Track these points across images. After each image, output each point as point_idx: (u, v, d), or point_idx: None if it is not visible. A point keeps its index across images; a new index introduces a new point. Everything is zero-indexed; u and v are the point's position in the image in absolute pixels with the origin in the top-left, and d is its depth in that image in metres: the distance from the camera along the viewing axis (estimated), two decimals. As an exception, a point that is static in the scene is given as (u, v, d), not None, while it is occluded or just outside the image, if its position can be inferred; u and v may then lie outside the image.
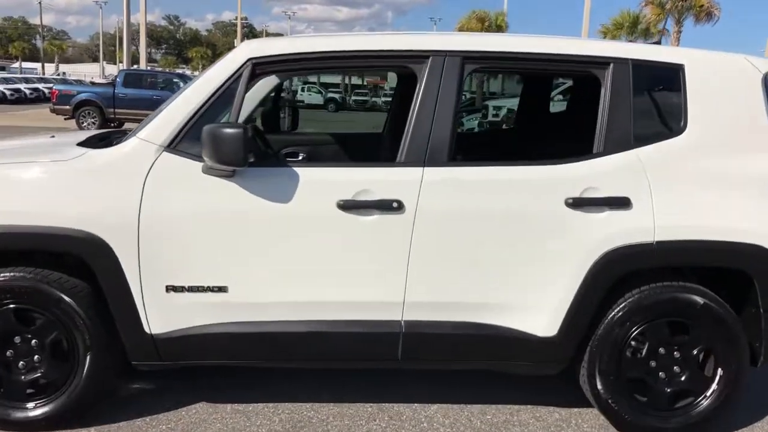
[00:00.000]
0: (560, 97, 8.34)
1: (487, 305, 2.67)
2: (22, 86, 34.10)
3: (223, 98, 2.63)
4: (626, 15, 28.69)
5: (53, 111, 17.98)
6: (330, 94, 36.06)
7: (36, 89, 33.58)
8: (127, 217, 2.51)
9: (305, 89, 35.08)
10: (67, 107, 17.55)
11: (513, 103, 14.44)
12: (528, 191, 2.62)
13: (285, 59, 2.67)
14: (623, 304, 2.68)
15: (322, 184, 2.58)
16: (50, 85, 28.98)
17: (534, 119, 3.87)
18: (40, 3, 60.57)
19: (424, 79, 2.67)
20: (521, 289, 2.65)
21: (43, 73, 53.15)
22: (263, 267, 2.59)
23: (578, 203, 2.60)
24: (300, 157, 4.00)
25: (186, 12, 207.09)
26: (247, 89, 2.63)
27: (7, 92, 31.86)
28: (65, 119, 17.55)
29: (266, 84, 3.90)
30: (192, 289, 2.58)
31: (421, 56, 2.68)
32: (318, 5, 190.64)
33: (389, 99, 37.64)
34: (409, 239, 2.58)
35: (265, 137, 3.52)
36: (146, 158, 2.56)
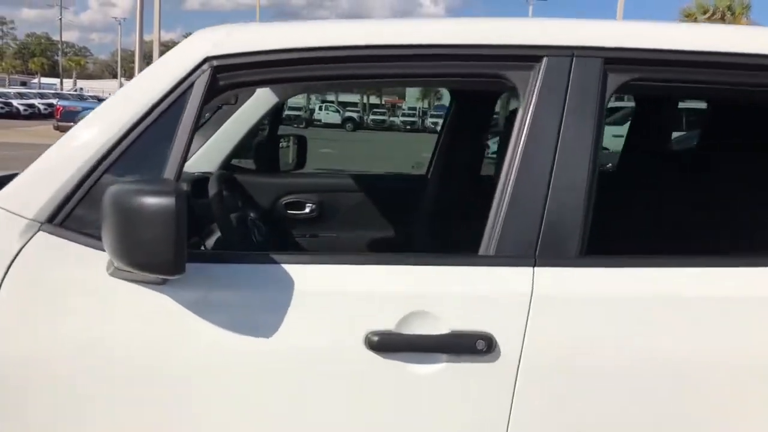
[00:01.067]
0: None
1: None
2: (36, 101, 33.75)
3: (160, 129, 1.41)
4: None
5: (57, 128, 17.12)
6: (348, 113, 35.14)
7: (50, 105, 33.08)
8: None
9: (323, 108, 34.21)
10: (72, 124, 16.57)
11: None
12: (753, 321, 1.35)
13: (273, 60, 1.43)
14: None
15: (338, 300, 1.34)
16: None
17: (661, 163, 2.58)
18: (60, 19, 60.82)
19: (534, 98, 1.42)
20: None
21: (61, 89, 52.94)
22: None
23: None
24: (307, 210, 2.78)
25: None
26: (201, 112, 1.41)
27: (21, 107, 31.57)
28: (69, 137, 16.62)
29: (261, 101, 2.69)
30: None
31: (525, 57, 1.44)
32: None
33: (408, 119, 37.01)
34: (507, 411, 1.32)
35: (245, 190, 2.31)
36: (5, 244, 1.34)
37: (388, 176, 3.54)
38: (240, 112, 2.67)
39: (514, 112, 1.97)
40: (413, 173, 3.23)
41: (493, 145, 3.47)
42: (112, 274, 1.30)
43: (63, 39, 70.90)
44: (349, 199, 2.76)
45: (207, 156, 2.60)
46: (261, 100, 2.68)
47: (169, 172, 1.32)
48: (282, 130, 3.10)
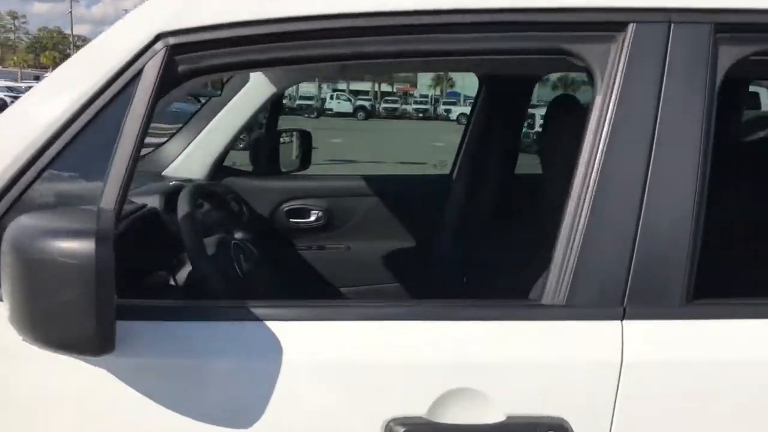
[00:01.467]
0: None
1: None
2: (46, 96, 33.67)
3: (97, 135, 1.03)
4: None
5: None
6: (359, 102, 34.71)
7: (60, 99, 32.98)
8: None
9: (334, 96, 33.81)
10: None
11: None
12: None
13: (260, 35, 1.04)
14: None
15: (346, 374, 0.96)
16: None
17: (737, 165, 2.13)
18: (70, 12, 60.81)
19: (617, 81, 1.01)
20: None
21: (73, 82, 52.86)
22: None
23: None
24: (313, 218, 2.39)
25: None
26: (153, 109, 1.02)
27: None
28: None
29: (257, 91, 2.31)
30: None
31: (602, 24, 1.03)
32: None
33: (420, 107, 36.53)
34: None
35: (234, 200, 1.93)
36: None
37: (407, 177, 3.12)
38: (232, 104, 2.27)
39: (565, 100, 1.57)
40: (435, 173, 2.82)
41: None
42: (25, 339, 0.93)
43: (75, 32, 71.13)
44: (361, 204, 2.36)
45: (194, 159, 2.22)
46: (256, 90, 2.28)
47: (108, 198, 0.94)
48: (293, 120, 2.69)
